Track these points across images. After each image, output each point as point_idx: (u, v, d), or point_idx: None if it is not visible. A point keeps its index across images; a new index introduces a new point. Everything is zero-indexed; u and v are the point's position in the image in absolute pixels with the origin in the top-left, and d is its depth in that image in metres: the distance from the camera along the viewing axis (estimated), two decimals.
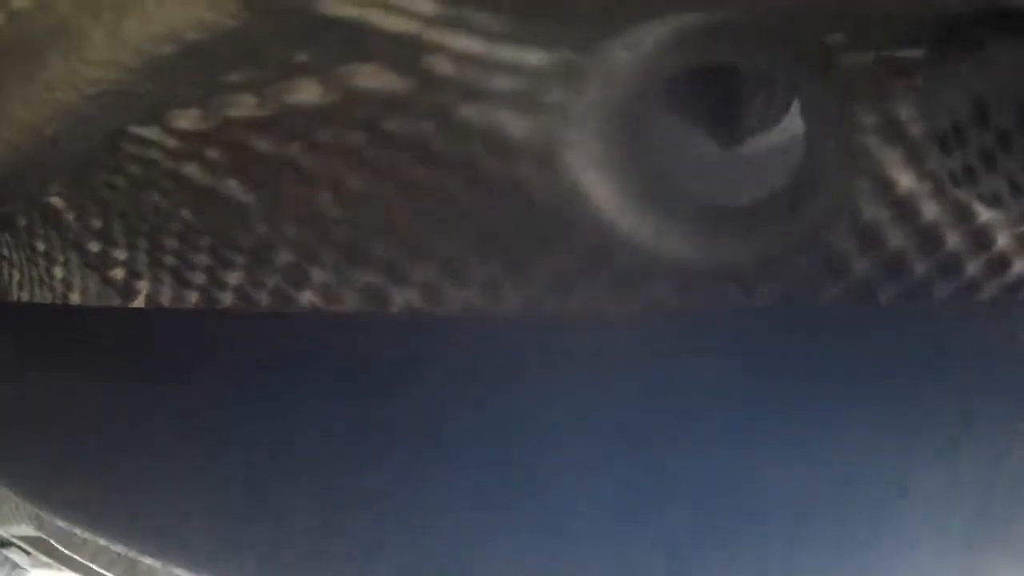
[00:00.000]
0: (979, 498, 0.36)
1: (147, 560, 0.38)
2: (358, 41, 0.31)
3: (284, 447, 0.35)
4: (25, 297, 0.45)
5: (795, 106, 0.37)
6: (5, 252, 0.46)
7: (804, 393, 0.35)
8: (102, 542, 0.43)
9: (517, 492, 0.33)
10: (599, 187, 0.34)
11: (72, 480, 0.40)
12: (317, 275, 0.37)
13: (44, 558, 0.71)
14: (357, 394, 0.35)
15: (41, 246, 0.43)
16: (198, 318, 0.39)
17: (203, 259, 0.38)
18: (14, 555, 0.81)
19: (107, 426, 0.38)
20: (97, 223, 0.40)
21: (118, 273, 0.40)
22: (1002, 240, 0.37)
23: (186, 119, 0.35)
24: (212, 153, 0.36)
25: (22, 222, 0.43)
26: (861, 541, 0.35)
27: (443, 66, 0.32)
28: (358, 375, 0.35)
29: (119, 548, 0.38)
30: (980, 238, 0.37)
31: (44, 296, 0.44)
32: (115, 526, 0.38)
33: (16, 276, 0.46)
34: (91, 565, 0.51)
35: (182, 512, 0.36)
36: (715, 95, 0.36)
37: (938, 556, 0.36)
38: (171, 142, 0.36)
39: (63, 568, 0.73)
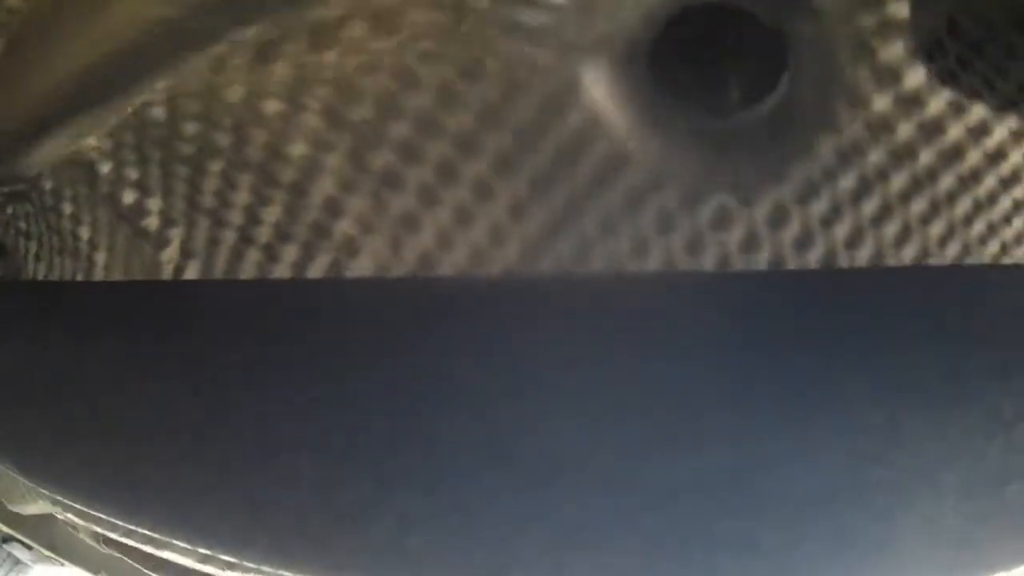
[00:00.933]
0: (973, 454, 0.37)
1: (160, 537, 0.38)
2: None
3: (283, 413, 0.36)
4: (42, 270, 0.45)
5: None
6: (22, 225, 0.46)
7: (797, 356, 0.37)
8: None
9: (516, 445, 0.34)
10: (613, 112, 0.37)
11: (69, 455, 0.39)
12: (354, 205, 0.38)
13: (46, 552, 0.69)
14: (360, 356, 0.36)
15: (68, 208, 0.44)
16: (195, 289, 0.40)
17: (242, 197, 0.39)
18: (16, 551, 0.79)
19: (105, 402, 0.39)
20: (133, 173, 0.41)
21: (152, 222, 0.41)
22: (973, 157, 0.40)
23: (241, 57, 0.37)
24: (260, 88, 0.37)
25: (48, 184, 0.43)
26: (855, 499, 0.36)
27: (482, 2, 0.35)
28: (362, 338, 0.36)
29: (117, 521, 0.38)
30: (952, 152, 0.40)
31: (64, 264, 0.44)
32: (115, 499, 0.38)
33: (33, 248, 0.46)
34: (108, 534, 0.49)
35: (182, 484, 0.36)
36: (702, 71, 0.39)
37: (934, 511, 0.37)
38: (221, 78, 0.38)
39: (65, 562, 0.71)
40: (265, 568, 0.36)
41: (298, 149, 0.38)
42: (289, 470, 0.35)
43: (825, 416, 0.36)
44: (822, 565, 0.36)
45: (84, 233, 0.44)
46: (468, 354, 0.36)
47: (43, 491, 0.50)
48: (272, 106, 0.38)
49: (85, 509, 0.39)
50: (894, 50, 0.37)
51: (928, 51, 0.37)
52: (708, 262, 0.38)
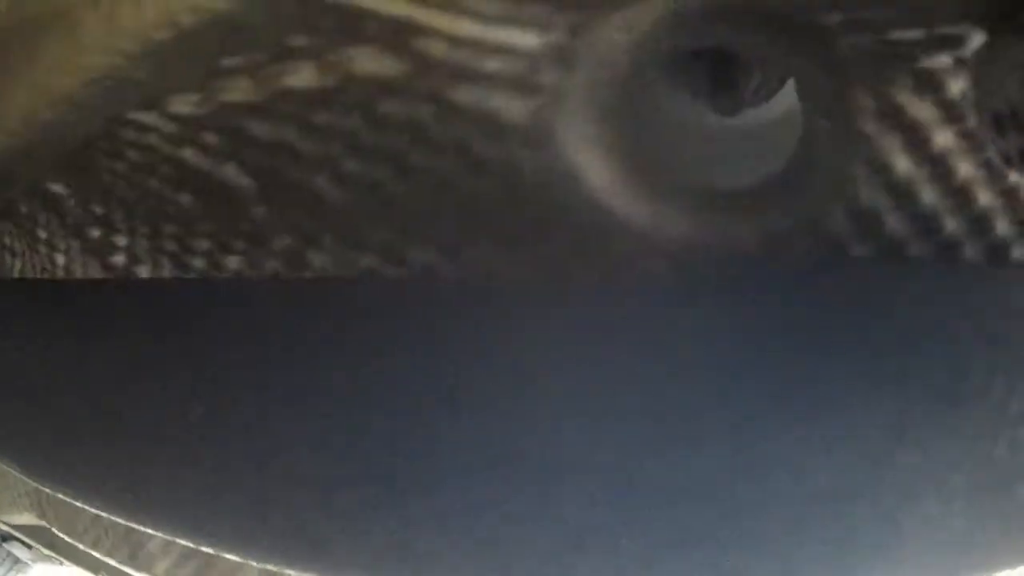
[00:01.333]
0: (981, 454, 0.37)
1: (144, 529, 0.37)
2: (353, 24, 0.32)
3: (285, 412, 0.35)
4: None
5: (793, 89, 0.38)
6: (7, 242, 0.47)
7: (802, 355, 0.37)
8: (103, 529, 0.42)
9: (518, 446, 0.34)
10: (594, 168, 0.35)
11: (70, 453, 0.39)
12: (315, 258, 0.37)
13: (45, 551, 0.69)
14: (362, 356, 0.36)
15: (43, 234, 0.44)
16: (197, 288, 0.40)
17: (202, 243, 0.39)
18: (15, 550, 0.79)
19: (107, 401, 0.38)
20: (98, 209, 0.41)
21: (119, 259, 0.41)
22: (1001, 227, 0.38)
23: (184, 104, 0.36)
24: (210, 138, 0.36)
25: (23, 209, 0.43)
26: (861, 494, 0.36)
27: (437, 48, 0.32)
28: (364, 338, 0.36)
29: (118, 519, 0.38)
30: (982, 222, 0.38)
31: None
32: (116, 498, 0.38)
33: (18, 265, 0.46)
34: (92, 552, 0.50)
35: (183, 483, 0.36)
36: (711, 68, 0.37)
37: (941, 512, 0.37)
38: (169, 127, 0.37)
39: (64, 561, 0.71)
40: (268, 566, 0.36)
41: (253, 198, 0.37)
42: (290, 470, 0.35)
43: (831, 416, 0.36)
44: (826, 566, 0.36)
45: (59, 260, 0.44)
46: (469, 354, 0.35)
47: (32, 496, 0.50)
48: (223, 154, 0.37)
49: (86, 508, 0.39)
50: (925, 110, 0.34)
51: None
52: None
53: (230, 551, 0.36)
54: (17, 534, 0.71)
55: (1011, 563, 0.40)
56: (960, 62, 0.34)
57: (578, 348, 0.35)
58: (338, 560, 0.35)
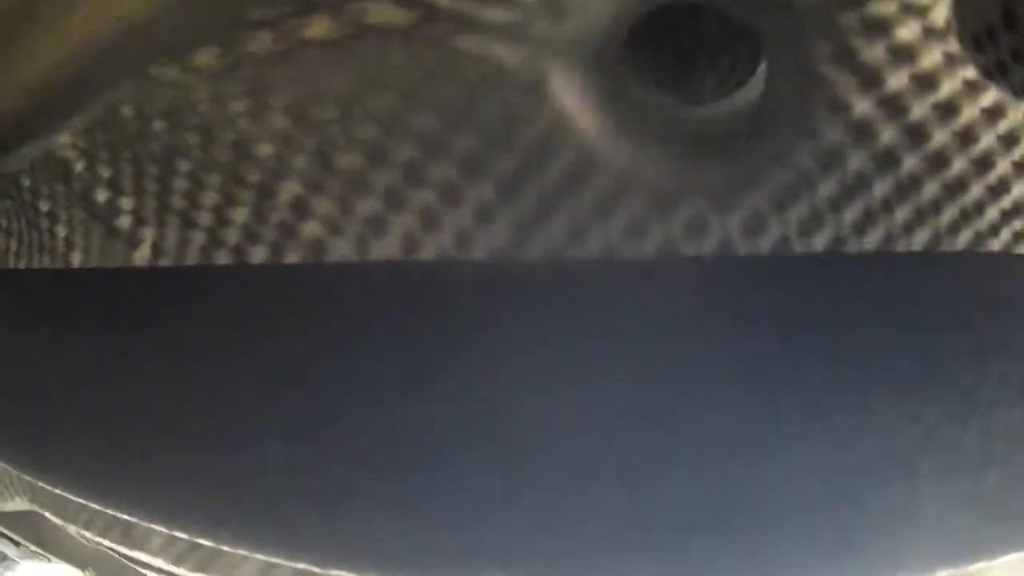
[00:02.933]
0: (950, 439, 0.38)
1: (136, 519, 0.39)
2: None
3: (257, 396, 0.37)
4: (22, 267, 0.47)
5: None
6: (3, 222, 0.48)
7: (765, 339, 0.38)
8: (95, 510, 0.44)
9: (485, 427, 0.35)
10: (580, 112, 0.38)
11: (51, 442, 0.41)
12: (321, 206, 0.39)
13: (33, 548, 0.71)
14: (331, 340, 0.38)
15: (45, 206, 0.45)
16: (170, 276, 0.41)
17: (211, 197, 0.40)
18: (3, 547, 0.81)
19: (84, 388, 0.40)
20: (106, 172, 0.42)
21: (124, 221, 0.43)
22: (958, 164, 0.40)
23: (206, 56, 0.38)
24: (229, 89, 0.39)
25: (26, 182, 0.45)
26: (827, 478, 0.37)
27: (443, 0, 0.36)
28: (333, 323, 0.38)
29: (109, 511, 0.39)
30: (938, 161, 0.40)
31: (42, 262, 0.46)
32: (93, 484, 0.39)
33: (14, 246, 0.48)
34: (84, 532, 0.51)
35: (158, 467, 0.38)
36: (676, 60, 0.40)
37: (911, 497, 0.37)
38: (189, 78, 0.39)
39: (52, 558, 0.73)
40: (238, 551, 0.38)
41: (264, 150, 0.40)
42: (261, 452, 0.36)
43: (795, 399, 0.37)
44: (795, 547, 0.37)
45: (60, 231, 0.45)
46: (436, 338, 0.36)
47: (25, 479, 0.52)
48: (238, 107, 0.39)
49: (66, 495, 0.41)
50: (876, 52, 0.38)
51: (977, 43, 0.37)
52: None
53: (201, 534, 0.38)
54: (6, 531, 0.74)
55: (987, 552, 0.40)
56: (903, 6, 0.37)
57: (546, 329, 0.37)
58: (305, 541, 0.36)
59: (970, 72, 0.39)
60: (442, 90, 0.38)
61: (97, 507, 0.40)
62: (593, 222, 0.38)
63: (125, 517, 0.39)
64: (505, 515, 0.35)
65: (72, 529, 0.54)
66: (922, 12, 0.38)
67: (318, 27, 0.37)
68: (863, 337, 0.38)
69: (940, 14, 0.38)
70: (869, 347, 0.38)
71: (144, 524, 0.44)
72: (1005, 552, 0.40)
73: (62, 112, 0.41)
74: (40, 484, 0.48)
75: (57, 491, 0.41)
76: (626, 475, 0.35)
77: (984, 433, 0.39)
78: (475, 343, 0.36)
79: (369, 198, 0.39)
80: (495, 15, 0.36)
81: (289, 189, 0.39)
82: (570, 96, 0.38)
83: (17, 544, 0.74)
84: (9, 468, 0.49)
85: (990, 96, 0.40)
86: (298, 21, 0.37)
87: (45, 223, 0.46)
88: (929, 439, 0.38)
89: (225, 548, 0.38)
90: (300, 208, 0.40)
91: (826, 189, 0.39)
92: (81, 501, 0.41)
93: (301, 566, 0.37)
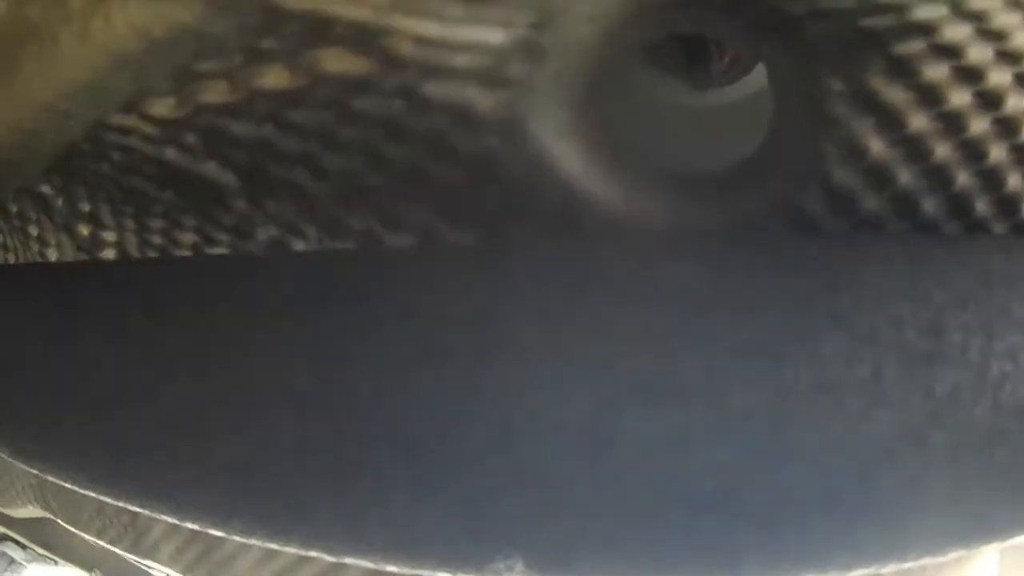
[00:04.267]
0: (961, 413, 0.38)
1: (143, 511, 0.39)
2: (318, 29, 0.33)
3: (265, 378, 0.37)
4: None
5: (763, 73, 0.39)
6: (0, 239, 0.49)
7: (775, 312, 0.37)
8: (107, 518, 0.44)
9: (495, 403, 0.36)
10: (566, 155, 0.37)
11: (59, 433, 0.41)
12: (297, 247, 0.40)
13: (40, 551, 0.71)
14: (339, 320, 0.38)
15: (34, 231, 0.46)
16: (174, 265, 0.42)
17: (189, 237, 0.41)
18: (10, 550, 0.81)
19: (92, 378, 0.41)
20: (85, 207, 0.43)
21: (109, 254, 0.43)
22: (980, 206, 0.40)
23: (162, 107, 0.38)
24: (189, 138, 0.39)
25: (13, 209, 0.46)
26: (839, 451, 0.37)
27: (404, 47, 0.34)
28: (339, 304, 0.38)
29: (119, 503, 0.40)
30: (961, 202, 0.39)
31: None
32: (102, 475, 0.40)
33: (12, 259, 0.49)
34: (97, 541, 0.52)
35: (166, 455, 0.38)
36: (683, 45, 0.39)
37: (922, 471, 0.38)
38: (149, 129, 0.39)
39: (59, 561, 0.73)
40: (250, 540, 0.38)
41: (234, 193, 0.40)
42: (270, 434, 0.37)
43: (805, 371, 0.37)
44: (807, 524, 0.37)
45: (52, 255, 0.46)
46: (445, 319, 0.37)
47: (37, 486, 0.53)
48: (200, 153, 0.39)
49: (74, 489, 0.41)
50: (899, 93, 0.36)
51: None
52: None
53: (213, 524, 0.38)
54: (12, 535, 0.74)
55: (998, 533, 0.41)
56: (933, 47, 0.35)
57: (558, 312, 0.37)
58: (316, 527, 0.37)
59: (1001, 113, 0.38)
60: (411, 138, 0.37)
61: (106, 500, 0.40)
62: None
63: (134, 510, 0.40)
64: (515, 495, 0.36)
65: (87, 538, 0.54)
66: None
67: (272, 77, 0.36)
68: (873, 314, 0.39)
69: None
70: (879, 323, 0.38)
71: (154, 522, 0.44)
72: (1017, 533, 0.41)
73: (29, 158, 0.41)
74: (49, 484, 0.48)
75: (65, 485, 0.41)
76: (637, 454, 0.36)
77: (993, 409, 0.39)
78: (485, 323, 0.37)
79: (346, 242, 0.39)
80: (464, 61, 0.35)
81: (265, 231, 0.40)
82: (553, 139, 0.36)
83: (24, 547, 0.75)
84: (19, 467, 0.49)
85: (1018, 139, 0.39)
86: (251, 71, 0.36)
87: (36, 246, 0.47)
88: (939, 414, 0.38)
89: (236, 538, 0.39)
90: (278, 248, 0.40)
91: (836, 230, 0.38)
92: (90, 495, 0.41)
93: (312, 553, 0.38)
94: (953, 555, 0.40)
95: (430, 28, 0.33)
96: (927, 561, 0.40)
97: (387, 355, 0.36)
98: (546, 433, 0.35)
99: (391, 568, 0.37)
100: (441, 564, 0.36)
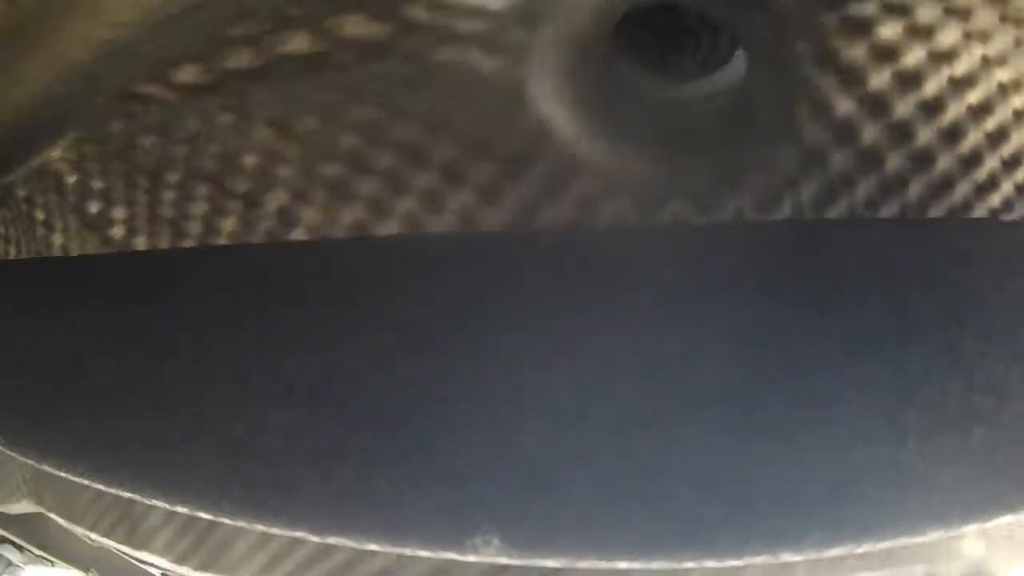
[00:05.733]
0: (934, 392, 0.39)
1: (136, 497, 0.41)
2: None
3: (255, 363, 0.39)
4: None
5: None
6: (1, 229, 0.51)
7: (747, 296, 0.39)
8: (101, 510, 0.46)
9: (475, 384, 0.37)
10: (560, 117, 0.39)
11: (53, 422, 0.43)
12: (307, 214, 0.42)
13: (37, 552, 0.73)
14: (326, 307, 0.40)
15: (40, 215, 0.48)
16: (169, 256, 0.44)
17: (200, 207, 0.43)
18: (7, 552, 0.83)
19: (86, 367, 0.42)
20: (98, 183, 0.45)
21: (117, 231, 0.45)
22: (943, 161, 0.42)
23: (187, 73, 0.40)
24: (212, 104, 0.41)
25: (22, 192, 0.48)
26: (811, 431, 0.38)
27: (419, 13, 0.38)
28: (326, 292, 0.40)
29: (113, 490, 0.42)
30: (921, 158, 0.42)
31: None
32: (96, 462, 0.42)
33: (12, 251, 0.50)
34: (89, 534, 0.53)
35: (160, 439, 0.40)
36: (659, 38, 0.42)
37: (896, 451, 0.39)
38: (171, 95, 0.41)
39: (56, 562, 0.75)
40: (239, 523, 0.40)
41: (250, 160, 0.42)
42: (260, 419, 0.38)
43: (778, 352, 0.38)
44: (781, 500, 0.38)
45: (57, 240, 0.48)
46: (430, 302, 0.38)
47: (30, 481, 0.55)
48: (222, 120, 0.41)
49: (68, 476, 0.43)
50: (858, 51, 0.39)
51: None
52: None
53: (203, 507, 0.40)
54: (10, 537, 0.76)
55: (977, 513, 0.41)
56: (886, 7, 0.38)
57: (533, 298, 0.39)
58: (304, 506, 0.39)
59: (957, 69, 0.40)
60: (422, 100, 0.39)
61: (101, 486, 0.42)
62: (576, 226, 0.40)
63: (128, 496, 0.41)
64: (492, 474, 0.37)
65: (79, 531, 0.56)
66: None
67: (296, 42, 0.39)
68: (844, 297, 0.40)
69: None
70: (850, 306, 0.39)
71: (147, 513, 0.46)
72: (997, 514, 0.41)
73: (52, 128, 0.43)
74: (44, 479, 0.50)
75: (61, 474, 0.43)
76: (615, 430, 0.37)
77: (968, 388, 0.40)
78: (468, 305, 0.38)
79: (353, 208, 0.41)
80: (470, 26, 0.38)
81: (276, 198, 0.42)
82: (549, 101, 0.39)
83: (21, 549, 0.76)
84: (13, 462, 0.51)
85: (976, 93, 0.41)
86: (276, 37, 0.39)
87: (41, 231, 0.49)
88: (912, 393, 0.39)
89: (227, 522, 0.40)
90: (287, 217, 0.42)
91: (809, 190, 0.41)
92: (84, 486, 0.43)
93: (298, 534, 0.40)
94: (933, 536, 0.41)
95: None
96: (906, 541, 0.41)
97: (372, 342, 0.38)
98: (523, 414, 0.37)
99: (374, 547, 0.38)
100: (421, 542, 0.37)
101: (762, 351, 0.38)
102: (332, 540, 0.39)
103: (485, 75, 0.39)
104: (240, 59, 0.40)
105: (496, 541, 0.37)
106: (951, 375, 0.39)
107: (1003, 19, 0.40)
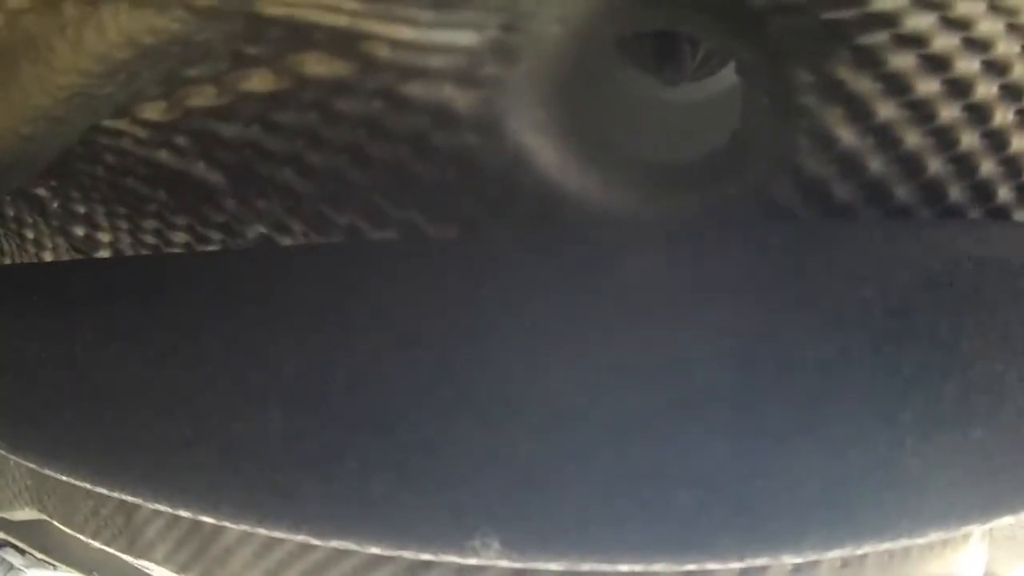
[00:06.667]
0: (930, 391, 0.39)
1: (137, 501, 0.42)
2: (299, 34, 0.36)
3: (253, 365, 0.40)
4: None
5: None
6: None
7: (739, 295, 0.39)
8: (102, 520, 0.47)
9: (471, 384, 0.38)
10: (543, 150, 0.39)
11: (55, 425, 0.44)
12: (286, 243, 0.42)
13: (39, 555, 0.73)
14: (321, 309, 0.41)
15: (30, 234, 0.49)
16: (168, 261, 0.45)
17: (181, 236, 0.43)
18: (9, 556, 0.83)
19: (89, 373, 0.43)
20: (80, 209, 0.45)
21: (104, 255, 0.46)
22: (953, 193, 0.41)
23: (153, 111, 0.40)
24: (180, 140, 0.41)
25: (10, 212, 0.48)
26: (806, 433, 0.38)
27: (381, 51, 0.37)
28: (321, 294, 0.41)
29: (114, 494, 0.42)
30: (934, 189, 0.41)
31: None
32: (98, 465, 0.42)
33: (7, 262, 0.51)
34: (91, 542, 0.54)
35: (160, 443, 0.41)
36: (656, 42, 0.41)
37: (892, 450, 0.39)
38: (141, 132, 0.41)
39: (58, 565, 0.76)
40: (240, 527, 0.41)
41: (224, 194, 0.42)
42: (258, 422, 0.39)
43: (771, 352, 0.38)
44: (780, 501, 0.39)
45: (47, 258, 0.49)
46: (423, 306, 0.39)
47: (33, 488, 0.55)
48: (191, 153, 0.42)
49: (69, 480, 0.43)
50: (866, 83, 0.38)
51: None
52: None
53: (204, 510, 0.41)
54: (12, 540, 0.77)
55: (978, 515, 0.42)
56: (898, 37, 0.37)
57: (528, 300, 0.38)
58: (303, 509, 0.39)
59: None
60: (392, 135, 0.39)
61: (102, 490, 0.43)
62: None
63: (132, 501, 0.42)
64: (491, 477, 0.37)
65: (81, 539, 0.57)
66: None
67: (258, 80, 0.39)
68: (841, 296, 0.40)
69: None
70: (847, 305, 0.39)
71: (149, 522, 0.47)
72: (997, 515, 0.42)
73: (25, 164, 0.43)
74: (45, 485, 0.50)
75: (62, 478, 0.44)
76: (609, 434, 0.38)
77: (965, 388, 0.40)
78: (462, 312, 0.39)
79: (333, 232, 0.42)
80: (439, 62, 0.37)
81: (253, 230, 0.42)
82: (528, 134, 0.39)
83: (23, 552, 0.77)
84: (16, 469, 0.52)
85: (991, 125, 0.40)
86: (237, 75, 0.39)
87: (32, 249, 0.49)
88: (908, 394, 0.39)
89: (228, 525, 0.41)
90: (266, 245, 0.43)
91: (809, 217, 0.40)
92: (86, 490, 0.44)
93: (299, 537, 0.40)
94: (933, 537, 0.41)
95: (404, 32, 0.36)
96: (906, 543, 0.41)
97: (369, 345, 0.39)
98: (521, 416, 0.37)
99: (375, 550, 0.39)
100: (421, 544, 0.38)
101: (758, 352, 0.38)
102: (333, 543, 0.40)
103: (460, 108, 0.38)
104: (204, 97, 0.40)
105: (496, 544, 0.38)
106: (947, 374, 0.39)
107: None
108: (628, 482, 0.37)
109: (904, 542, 0.41)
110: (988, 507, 0.41)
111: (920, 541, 0.41)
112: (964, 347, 0.40)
